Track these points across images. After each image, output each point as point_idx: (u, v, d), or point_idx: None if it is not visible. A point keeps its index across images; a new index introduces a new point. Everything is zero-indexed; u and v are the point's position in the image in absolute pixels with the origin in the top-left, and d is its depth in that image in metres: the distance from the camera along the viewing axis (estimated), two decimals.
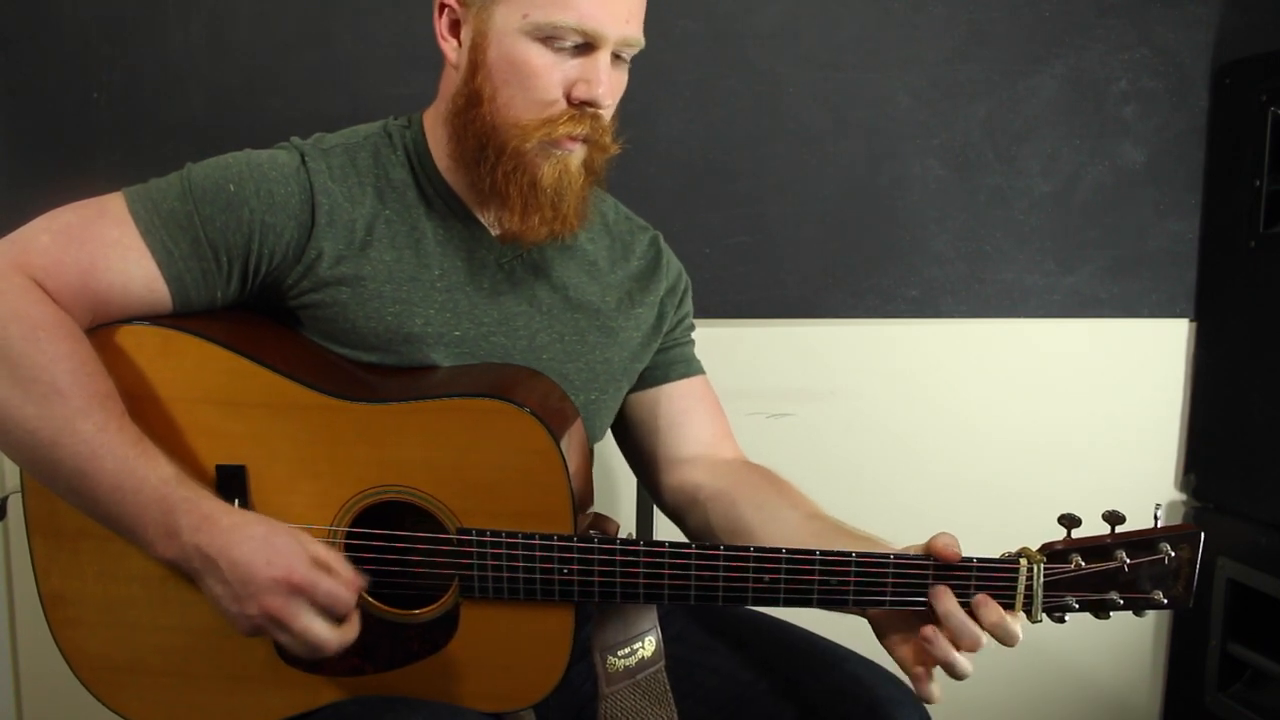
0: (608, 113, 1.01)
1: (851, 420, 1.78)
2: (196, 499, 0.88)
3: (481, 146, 0.99)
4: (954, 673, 0.90)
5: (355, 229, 1.00)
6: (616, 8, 0.95)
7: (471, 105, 0.98)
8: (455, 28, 1.00)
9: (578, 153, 1.00)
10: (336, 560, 0.90)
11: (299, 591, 0.86)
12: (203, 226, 0.94)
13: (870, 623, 0.98)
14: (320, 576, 0.87)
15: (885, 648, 0.97)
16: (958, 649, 0.89)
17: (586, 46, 0.96)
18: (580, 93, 0.96)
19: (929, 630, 0.90)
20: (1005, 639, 0.90)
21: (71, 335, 0.89)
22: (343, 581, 0.89)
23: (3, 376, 0.86)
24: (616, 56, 0.99)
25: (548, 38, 0.95)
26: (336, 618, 0.89)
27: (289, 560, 0.86)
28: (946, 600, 0.90)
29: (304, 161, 0.99)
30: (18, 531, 1.37)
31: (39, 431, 0.86)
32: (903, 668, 0.95)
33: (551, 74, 0.96)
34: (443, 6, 1.00)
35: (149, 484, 0.87)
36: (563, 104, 0.97)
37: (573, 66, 0.96)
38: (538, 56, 0.95)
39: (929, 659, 0.91)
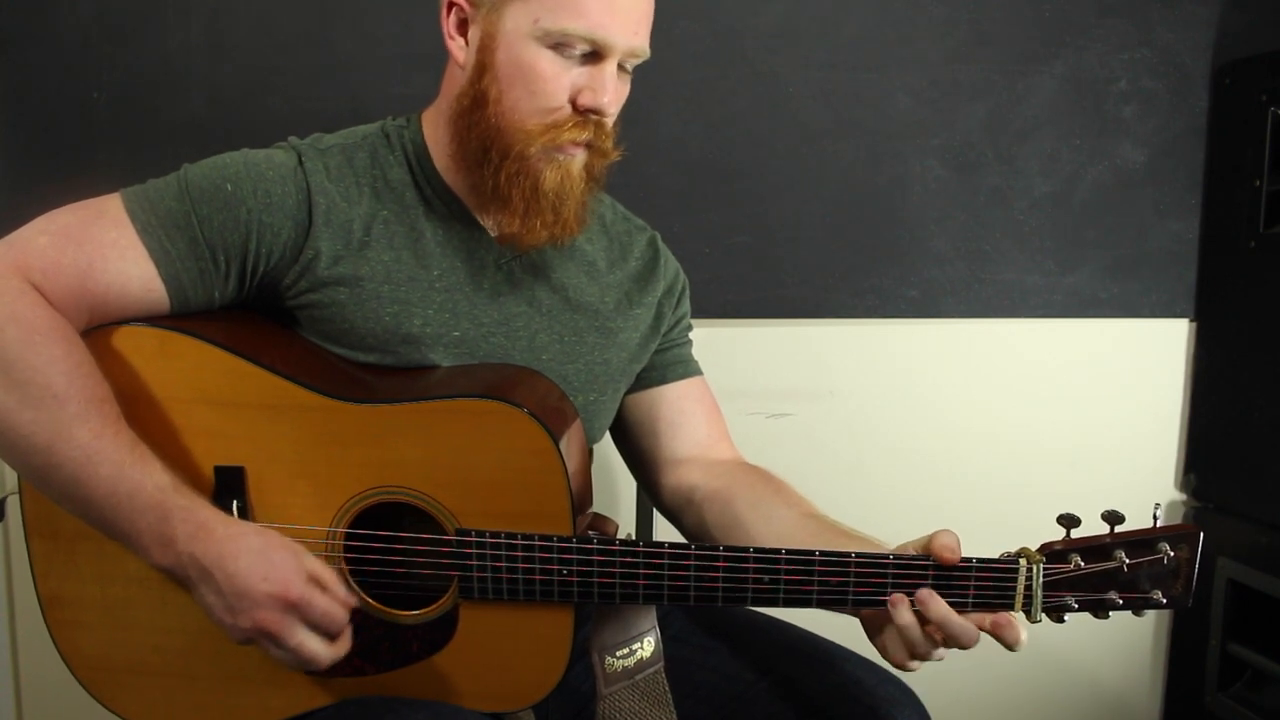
0: (610, 120, 1.01)
1: (851, 420, 1.78)
2: (193, 507, 0.88)
3: (485, 149, 0.99)
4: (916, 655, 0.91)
5: (353, 229, 1.00)
6: (626, 18, 0.96)
7: (476, 107, 0.98)
8: (463, 27, 1.00)
9: (579, 158, 1.01)
10: (332, 578, 0.90)
11: (293, 608, 0.86)
12: (200, 226, 0.94)
13: (862, 622, 0.97)
14: (316, 594, 0.87)
15: (875, 646, 0.96)
16: (960, 647, 0.90)
17: (594, 55, 0.96)
18: (586, 100, 0.97)
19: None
20: (1013, 646, 0.89)
21: (68, 339, 0.88)
22: (338, 600, 0.89)
23: None
24: (620, 66, 0.99)
25: (557, 44, 0.95)
26: (329, 635, 0.89)
27: (285, 576, 0.86)
28: (935, 603, 0.89)
29: (301, 161, 0.99)
30: (17, 532, 1.37)
31: (34, 436, 0.86)
32: (892, 666, 0.95)
33: (559, 80, 0.96)
34: (451, 5, 1.00)
35: (144, 491, 0.87)
36: (568, 110, 0.97)
37: (580, 74, 0.97)
38: (546, 62, 0.96)
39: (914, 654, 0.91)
